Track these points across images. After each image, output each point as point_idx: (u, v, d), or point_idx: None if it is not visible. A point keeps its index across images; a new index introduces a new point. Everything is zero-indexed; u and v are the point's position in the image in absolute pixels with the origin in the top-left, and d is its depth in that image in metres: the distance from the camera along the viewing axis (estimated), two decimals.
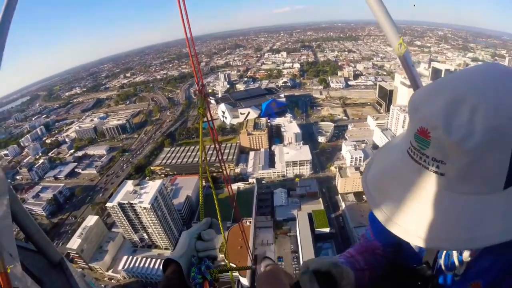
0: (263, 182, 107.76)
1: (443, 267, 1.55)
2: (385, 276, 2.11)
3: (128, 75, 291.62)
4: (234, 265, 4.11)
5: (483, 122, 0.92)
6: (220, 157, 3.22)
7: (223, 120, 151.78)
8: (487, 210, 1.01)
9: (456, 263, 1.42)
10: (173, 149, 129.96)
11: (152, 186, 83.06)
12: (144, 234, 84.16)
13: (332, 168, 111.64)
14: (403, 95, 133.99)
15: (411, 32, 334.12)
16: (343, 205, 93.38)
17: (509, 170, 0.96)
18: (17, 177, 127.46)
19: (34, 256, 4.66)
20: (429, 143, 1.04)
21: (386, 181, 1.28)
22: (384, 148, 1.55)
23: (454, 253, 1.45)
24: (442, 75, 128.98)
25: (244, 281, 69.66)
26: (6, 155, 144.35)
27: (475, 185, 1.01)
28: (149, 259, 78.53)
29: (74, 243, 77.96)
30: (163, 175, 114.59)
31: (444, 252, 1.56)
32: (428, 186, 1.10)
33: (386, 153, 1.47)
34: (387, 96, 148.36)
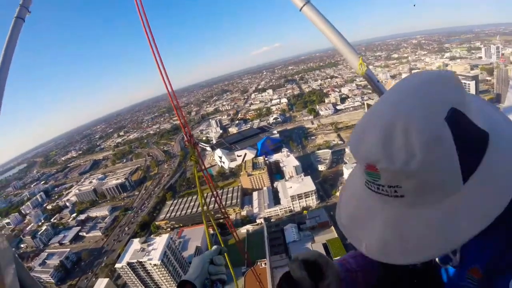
0: (271, 220, 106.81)
1: (438, 261, 1.58)
2: (380, 278, 2.16)
3: (121, 133, 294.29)
4: None
5: (419, 139, 0.95)
6: (219, 203, 3.62)
7: (221, 165, 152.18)
8: (453, 211, 1.03)
9: (450, 254, 1.46)
10: (175, 201, 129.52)
11: (160, 242, 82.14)
12: None
13: (338, 194, 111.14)
14: None
15: (386, 46, 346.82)
16: None
17: (461, 164, 1.02)
18: (21, 246, 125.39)
19: None
20: (379, 175, 1.09)
21: (357, 213, 1.36)
22: (350, 180, 1.61)
23: None
24: None
25: None
26: (8, 223, 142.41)
27: (436, 192, 1.05)
28: None
29: None
30: (169, 229, 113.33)
31: None
32: (391, 209, 1.15)
33: (352, 184, 1.54)
34: None
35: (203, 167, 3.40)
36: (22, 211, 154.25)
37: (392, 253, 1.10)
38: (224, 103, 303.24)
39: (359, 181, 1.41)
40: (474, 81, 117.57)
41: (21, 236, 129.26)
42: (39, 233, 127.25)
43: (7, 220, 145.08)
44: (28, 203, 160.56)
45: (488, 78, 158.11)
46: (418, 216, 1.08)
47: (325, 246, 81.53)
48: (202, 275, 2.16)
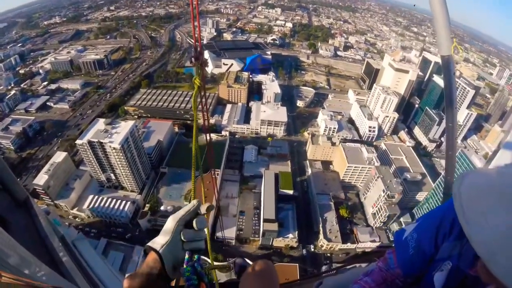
0: (236, 136, 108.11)
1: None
2: None
3: (112, 8, 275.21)
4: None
5: None
6: (203, 107, 2.99)
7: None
8: None
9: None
10: (149, 91, 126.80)
11: (124, 127, 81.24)
12: (112, 175, 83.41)
13: (305, 133, 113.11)
14: (388, 76, 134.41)
15: (411, 17, 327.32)
16: (309, 171, 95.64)
17: None
18: None
19: None
20: None
21: (491, 206, 1.20)
22: (486, 173, 1.47)
23: None
24: (431, 67, 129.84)
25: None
26: None
27: None
28: (114, 200, 78.59)
29: (41, 179, 76.50)
30: (136, 117, 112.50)
31: None
32: None
33: (490, 177, 1.40)
34: (372, 74, 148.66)
35: (202, 94, 2.83)
36: None
37: (495, 262, 1.05)
38: (228, 6, 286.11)
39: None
40: (474, 91, 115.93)
41: None
42: (6, 97, 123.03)
43: None
44: (1, 64, 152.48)
45: (488, 95, 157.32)
46: None
47: (276, 176, 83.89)
48: (173, 242, 1.70)
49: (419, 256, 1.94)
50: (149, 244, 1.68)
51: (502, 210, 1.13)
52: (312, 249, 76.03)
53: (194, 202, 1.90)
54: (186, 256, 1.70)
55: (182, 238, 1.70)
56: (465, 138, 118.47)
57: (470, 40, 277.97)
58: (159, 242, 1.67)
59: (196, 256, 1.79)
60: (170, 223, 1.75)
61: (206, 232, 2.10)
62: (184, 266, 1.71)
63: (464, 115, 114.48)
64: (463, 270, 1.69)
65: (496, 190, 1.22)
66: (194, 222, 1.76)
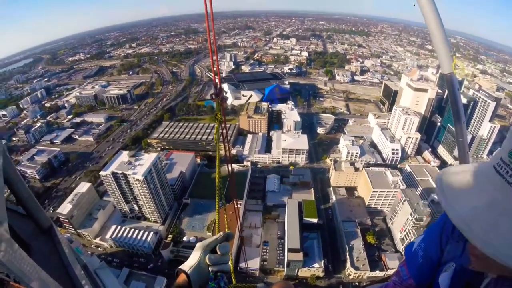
0: (257, 166, 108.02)
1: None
2: None
3: (133, 45, 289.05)
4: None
5: None
6: (225, 138, 3.22)
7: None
8: None
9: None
10: (171, 123, 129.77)
11: (147, 159, 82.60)
12: (135, 205, 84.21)
13: (328, 160, 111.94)
14: (407, 96, 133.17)
15: (424, 35, 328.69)
16: (333, 198, 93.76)
17: None
18: (14, 139, 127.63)
19: (24, 220, 4.36)
20: None
21: (465, 189, 1.45)
22: (463, 165, 1.73)
23: None
24: None
25: None
26: (4, 115, 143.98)
27: None
28: (137, 230, 78.69)
29: (65, 208, 78.25)
30: (159, 149, 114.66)
31: None
32: (500, 196, 1.28)
33: (465, 167, 1.64)
34: (391, 96, 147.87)
35: (225, 124, 3.13)
36: (20, 105, 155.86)
37: (476, 232, 1.19)
38: (244, 39, 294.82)
39: (481, 165, 1.56)
40: (495, 103, 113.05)
41: (15, 130, 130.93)
42: (33, 129, 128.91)
43: (4, 112, 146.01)
44: (28, 98, 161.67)
45: (510, 105, 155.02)
46: None
47: (300, 204, 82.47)
48: (200, 265, 2.02)
49: (428, 262, 2.07)
50: (180, 266, 2.02)
51: (473, 190, 1.42)
52: (340, 278, 73.10)
53: (220, 233, 2.27)
54: (211, 274, 1.98)
55: (208, 262, 2.00)
56: (490, 152, 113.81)
57: (486, 51, 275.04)
58: (188, 264, 2.00)
59: (220, 275, 2.03)
60: (197, 249, 2.09)
61: (230, 258, 2.34)
62: (210, 283, 1.96)
63: (487, 128, 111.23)
64: (465, 268, 1.78)
65: (470, 175, 1.52)
66: (217, 247, 2.08)
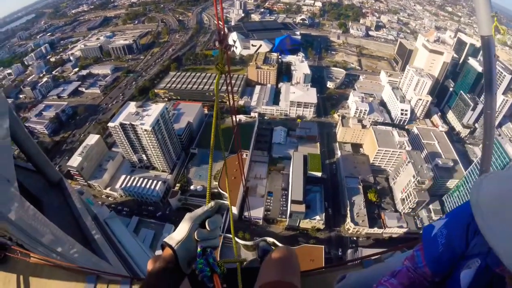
0: (265, 118, 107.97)
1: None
2: None
3: None
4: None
5: None
6: (229, 89, 3.08)
7: (233, 50, 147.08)
8: None
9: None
10: (178, 73, 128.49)
11: (155, 109, 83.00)
12: (143, 155, 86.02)
13: (335, 115, 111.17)
14: (422, 57, 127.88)
15: None
16: (339, 153, 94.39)
17: None
18: (21, 96, 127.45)
19: (34, 176, 4.49)
20: None
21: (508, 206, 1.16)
22: (502, 172, 1.41)
23: None
24: (466, 49, 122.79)
25: (234, 209, 72.46)
26: (9, 74, 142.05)
27: None
28: (146, 180, 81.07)
29: (75, 161, 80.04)
30: (166, 99, 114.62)
31: None
32: None
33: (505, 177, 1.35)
34: (405, 55, 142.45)
35: (228, 75, 2.96)
36: (25, 62, 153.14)
37: None
38: None
39: None
40: (511, 76, 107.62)
41: (21, 87, 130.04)
42: (39, 85, 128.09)
43: (9, 71, 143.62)
44: (32, 54, 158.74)
45: None
46: None
47: (305, 158, 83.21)
48: (187, 240, 1.82)
49: (449, 253, 1.85)
50: (166, 240, 1.80)
51: None
52: (339, 232, 75.81)
53: (212, 203, 2.01)
54: (199, 249, 1.79)
55: (196, 237, 1.81)
56: (499, 125, 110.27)
57: (508, 22, 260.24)
58: (175, 238, 1.80)
59: (208, 250, 1.85)
60: (186, 222, 1.86)
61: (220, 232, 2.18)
62: (198, 259, 1.79)
63: (500, 100, 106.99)
64: (491, 268, 1.59)
65: None
66: (206, 222, 1.86)
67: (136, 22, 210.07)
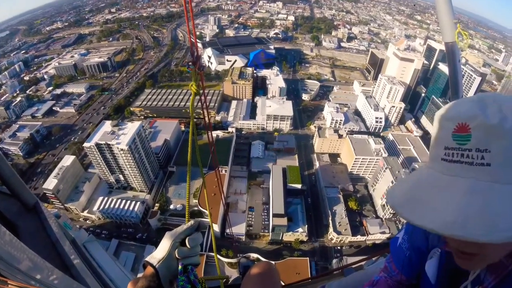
0: (242, 132, 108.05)
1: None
2: None
3: (113, 10, 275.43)
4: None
5: (510, 108, 1.04)
6: (204, 105, 3.05)
7: (208, 65, 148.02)
8: None
9: None
10: (154, 90, 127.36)
11: (131, 128, 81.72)
12: (120, 176, 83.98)
13: (312, 126, 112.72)
14: (393, 66, 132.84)
15: (413, 6, 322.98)
16: (317, 164, 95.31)
17: None
18: None
19: (9, 199, 4.23)
20: (470, 135, 1.09)
21: (420, 193, 1.26)
22: (406, 175, 1.59)
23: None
24: (436, 55, 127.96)
25: (216, 227, 71.38)
26: None
27: None
28: (124, 201, 79.00)
29: (51, 183, 77.26)
30: (142, 117, 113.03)
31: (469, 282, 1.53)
32: (475, 181, 1.09)
33: (412, 175, 1.51)
34: (377, 64, 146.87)
35: (203, 95, 2.95)
36: None
37: (473, 229, 0.99)
38: (229, 2, 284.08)
39: (423, 169, 1.44)
40: (480, 78, 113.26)
41: None
42: (13, 104, 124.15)
43: None
44: (6, 72, 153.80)
45: (495, 82, 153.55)
46: (506, 190, 1.03)
47: (284, 170, 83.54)
48: (168, 259, 1.84)
49: (416, 254, 1.95)
50: (147, 259, 1.83)
51: (439, 193, 1.18)
52: (323, 243, 75.81)
53: (191, 221, 2.04)
54: (180, 267, 1.82)
55: (177, 255, 1.83)
56: None
57: (475, 26, 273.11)
58: (156, 257, 1.82)
59: (190, 267, 1.88)
60: (166, 240, 1.88)
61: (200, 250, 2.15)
62: (179, 276, 1.81)
63: None
64: (450, 252, 1.59)
65: (420, 183, 1.34)
66: (187, 240, 1.88)
67: (111, 39, 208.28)
